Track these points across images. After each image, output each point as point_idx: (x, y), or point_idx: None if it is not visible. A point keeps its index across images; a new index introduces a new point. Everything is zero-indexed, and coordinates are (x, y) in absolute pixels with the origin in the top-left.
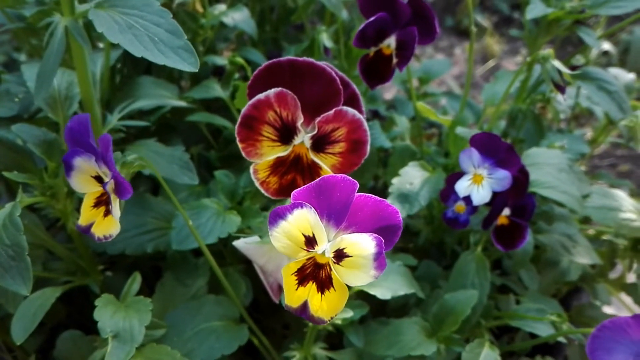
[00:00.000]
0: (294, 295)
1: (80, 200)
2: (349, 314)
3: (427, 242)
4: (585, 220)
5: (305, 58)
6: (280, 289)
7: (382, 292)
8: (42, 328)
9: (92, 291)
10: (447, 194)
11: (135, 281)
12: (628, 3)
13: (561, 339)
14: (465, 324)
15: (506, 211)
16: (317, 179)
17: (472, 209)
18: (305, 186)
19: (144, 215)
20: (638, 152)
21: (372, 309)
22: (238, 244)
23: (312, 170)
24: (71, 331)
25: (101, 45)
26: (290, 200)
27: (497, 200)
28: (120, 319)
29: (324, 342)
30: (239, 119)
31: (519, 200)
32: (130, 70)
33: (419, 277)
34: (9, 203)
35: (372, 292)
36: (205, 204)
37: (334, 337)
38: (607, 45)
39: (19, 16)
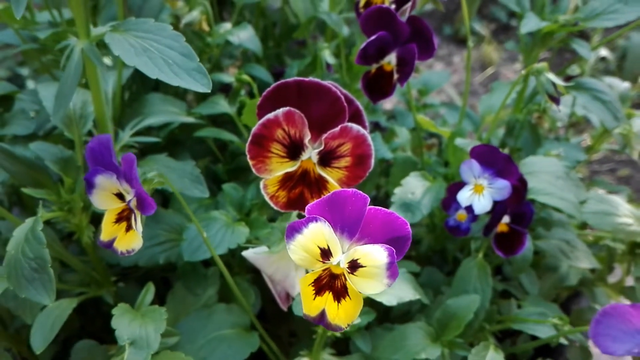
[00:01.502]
0: (311, 305)
1: (94, 214)
2: (357, 320)
3: (429, 250)
4: (584, 226)
5: (311, 78)
6: (288, 297)
7: (388, 299)
8: (54, 339)
9: (104, 302)
10: (449, 203)
11: (149, 291)
12: (620, 15)
13: (562, 341)
14: (468, 328)
15: (506, 218)
16: (330, 194)
17: (474, 217)
18: (318, 200)
19: (156, 227)
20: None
21: (377, 316)
22: (247, 254)
23: (320, 184)
24: (86, 341)
25: (108, 62)
26: (297, 213)
27: (497, 208)
28: (136, 326)
29: (331, 348)
30: (250, 137)
31: (518, 207)
32: (139, 87)
33: (422, 284)
34: (30, 218)
35: (378, 298)
36: (215, 216)
37: (341, 344)
38: (604, 52)
39: (31, 37)
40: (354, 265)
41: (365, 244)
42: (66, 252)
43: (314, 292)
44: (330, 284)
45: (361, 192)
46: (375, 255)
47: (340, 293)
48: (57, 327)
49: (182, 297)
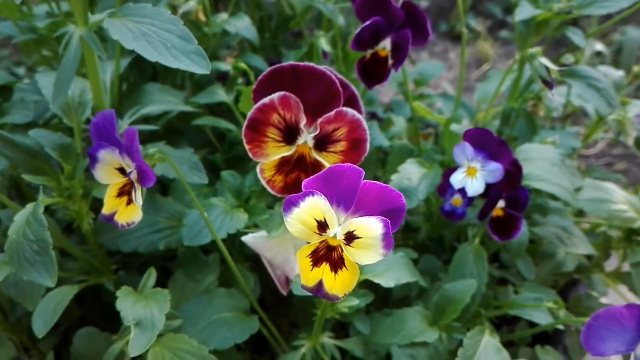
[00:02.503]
0: (309, 276)
1: (94, 201)
2: (355, 302)
3: (426, 238)
4: (580, 214)
5: (306, 63)
6: (287, 281)
7: (386, 281)
8: (56, 330)
9: (103, 292)
10: (445, 188)
11: (151, 276)
12: (613, 3)
13: (560, 327)
14: (465, 312)
15: (501, 203)
16: (325, 169)
17: (468, 201)
18: (314, 175)
19: (156, 214)
20: (634, 151)
21: (376, 302)
22: (247, 239)
23: (315, 169)
24: (87, 328)
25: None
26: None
27: (492, 191)
28: (141, 307)
29: (330, 332)
30: (246, 122)
31: (513, 192)
32: (136, 77)
33: (420, 271)
34: (30, 203)
35: (376, 280)
36: (214, 202)
37: (340, 331)
38: (599, 46)
39: (29, 28)
40: (350, 237)
41: (361, 216)
42: (66, 240)
43: (311, 263)
44: (327, 255)
45: (356, 166)
46: (371, 226)
47: (337, 264)
48: (59, 312)
49: (182, 283)
